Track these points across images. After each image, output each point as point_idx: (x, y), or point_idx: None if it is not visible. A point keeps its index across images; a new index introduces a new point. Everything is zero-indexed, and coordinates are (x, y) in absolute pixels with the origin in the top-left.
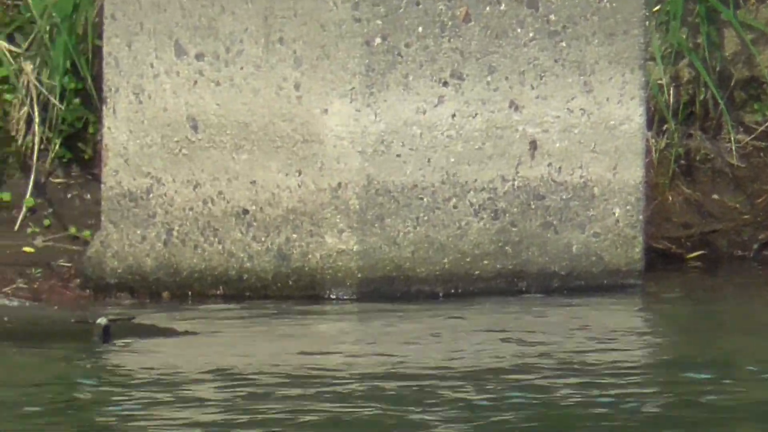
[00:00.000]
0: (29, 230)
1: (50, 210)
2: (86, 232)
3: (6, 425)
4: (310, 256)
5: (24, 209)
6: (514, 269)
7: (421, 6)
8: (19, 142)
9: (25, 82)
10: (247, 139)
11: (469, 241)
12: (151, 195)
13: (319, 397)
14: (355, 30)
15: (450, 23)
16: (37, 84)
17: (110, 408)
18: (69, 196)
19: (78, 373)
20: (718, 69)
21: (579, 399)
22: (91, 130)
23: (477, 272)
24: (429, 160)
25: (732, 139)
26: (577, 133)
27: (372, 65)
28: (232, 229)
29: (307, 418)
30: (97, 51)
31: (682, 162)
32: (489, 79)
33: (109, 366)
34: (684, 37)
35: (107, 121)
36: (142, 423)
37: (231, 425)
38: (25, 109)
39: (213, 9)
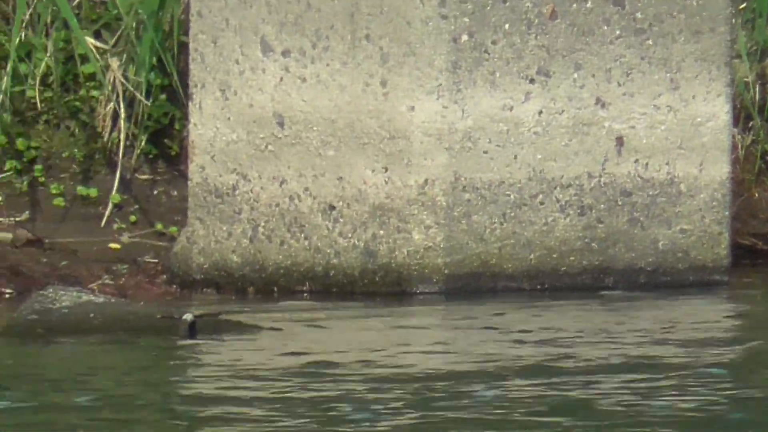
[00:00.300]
0: (115, 226)
1: (136, 206)
2: (172, 229)
3: (101, 415)
4: (396, 252)
5: (110, 205)
6: (601, 265)
7: (507, 3)
8: (106, 138)
9: (112, 79)
10: (334, 135)
11: (556, 237)
12: (237, 191)
13: (413, 395)
14: (441, 27)
15: (536, 20)
16: (124, 80)
17: (197, 403)
18: (155, 192)
19: (164, 369)
20: None
21: (667, 400)
22: (177, 126)
23: (563, 268)
24: (515, 157)
25: None
26: (663, 130)
27: (459, 62)
28: (318, 226)
29: (397, 421)
30: (183, 47)
31: None
32: (575, 76)
33: (194, 361)
34: None
35: (193, 118)
36: (226, 418)
37: (320, 422)
38: (112, 105)
39: (299, 5)
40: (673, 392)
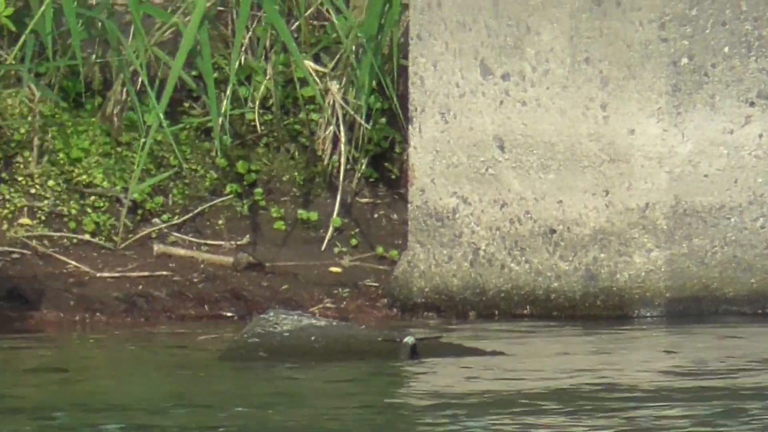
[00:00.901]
0: (336, 250)
1: (357, 230)
2: (393, 252)
3: None
4: (618, 275)
5: (331, 229)
6: None
7: (727, 26)
8: (326, 161)
9: (331, 102)
10: (554, 158)
11: None
12: (457, 215)
13: (645, 420)
14: (661, 50)
15: (756, 43)
16: (343, 104)
17: (413, 422)
18: (375, 215)
19: (385, 391)
20: None
21: None
22: (397, 149)
23: None
24: (736, 181)
25: None
26: None
27: (678, 85)
28: (539, 249)
29: None
30: (403, 71)
31: None
32: None
33: (415, 384)
34: None
35: (413, 141)
36: None
37: None
38: (331, 128)
39: (518, 29)
40: None
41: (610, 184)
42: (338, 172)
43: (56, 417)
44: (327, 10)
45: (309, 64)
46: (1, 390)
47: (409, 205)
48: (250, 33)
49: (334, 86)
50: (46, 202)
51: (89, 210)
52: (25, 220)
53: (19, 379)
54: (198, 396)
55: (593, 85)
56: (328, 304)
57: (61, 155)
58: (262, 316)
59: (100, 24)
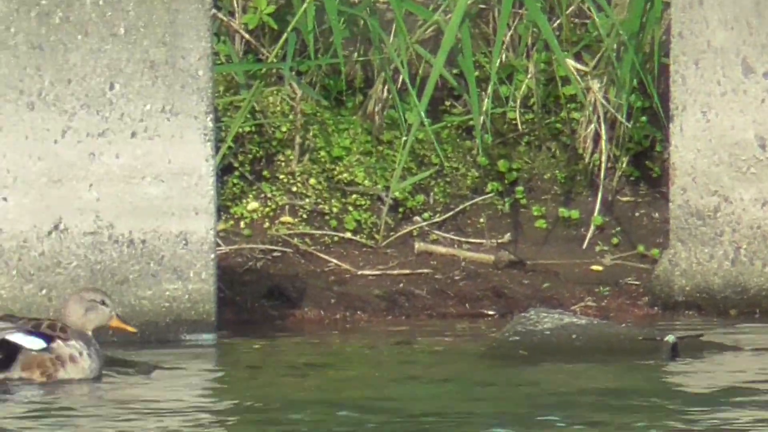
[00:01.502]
0: (597, 248)
1: (618, 228)
2: (654, 251)
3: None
4: None
5: (592, 227)
6: None
7: None
8: (587, 160)
9: (592, 100)
10: None
11: None
12: (718, 213)
13: None
14: None
15: None
16: (604, 102)
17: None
18: (636, 214)
19: (649, 390)
20: None
21: None
22: (658, 148)
23: None
24: None
25: None
26: None
27: None
28: None
29: None
30: (663, 69)
31: None
32: None
33: (678, 382)
34: None
35: (674, 140)
36: None
37: None
38: (593, 126)
39: None
40: None
41: None
42: (599, 170)
43: (336, 412)
44: (588, 8)
45: (570, 62)
46: (277, 387)
47: (670, 204)
48: (511, 31)
49: (595, 84)
50: (307, 200)
51: (350, 208)
52: (286, 218)
53: (285, 374)
54: (464, 394)
55: None
56: (589, 302)
57: (322, 153)
58: (523, 314)
59: (361, 22)
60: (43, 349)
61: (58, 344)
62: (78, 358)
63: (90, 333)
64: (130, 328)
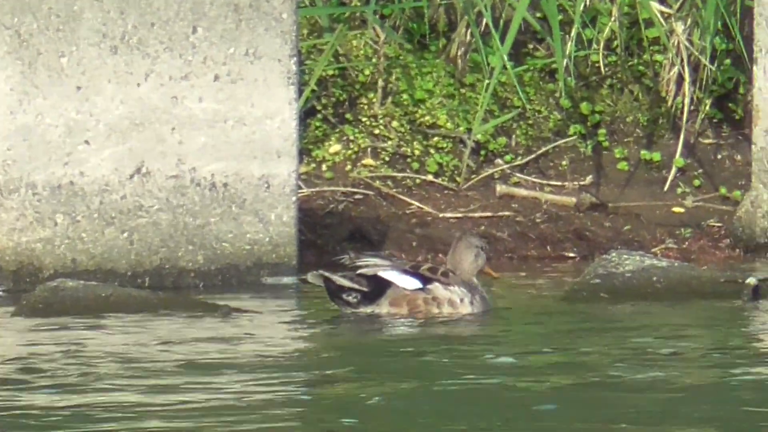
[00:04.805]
0: (679, 190)
1: (700, 170)
2: (736, 193)
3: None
4: None
5: (673, 169)
6: None
7: None
8: (669, 102)
9: (676, 43)
10: None
11: None
12: None
13: None
14: None
15: None
16: (688, 45)
17: (758, 365)
18: (719, 156)
19: (728, 332)
20: None
21: None
22: (741, 90)
23: None
24: None
25: None
26: None
27: None
28: None
29: None
30: (747, 11)
31: None
32: None
33: (759, 325)
34: None
35: (758, 82)
36: None
37: None
38: (676, 69)
39: None
40: None
41: None
42: (681, 113)
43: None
44: None
45: (654, 5)
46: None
47: (753, 146)
48: None
49: (678, 27)
50: (389, 143)
51: (432, 151)
52: (368, 161)
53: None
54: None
55: None
56: (670, 245)
57: (404, 96)
58: (604, 256)
59: None
60: (418, 290)
61: (435, 286)
62: (458, 304)
63: (475, 279)
64: (495, 275)
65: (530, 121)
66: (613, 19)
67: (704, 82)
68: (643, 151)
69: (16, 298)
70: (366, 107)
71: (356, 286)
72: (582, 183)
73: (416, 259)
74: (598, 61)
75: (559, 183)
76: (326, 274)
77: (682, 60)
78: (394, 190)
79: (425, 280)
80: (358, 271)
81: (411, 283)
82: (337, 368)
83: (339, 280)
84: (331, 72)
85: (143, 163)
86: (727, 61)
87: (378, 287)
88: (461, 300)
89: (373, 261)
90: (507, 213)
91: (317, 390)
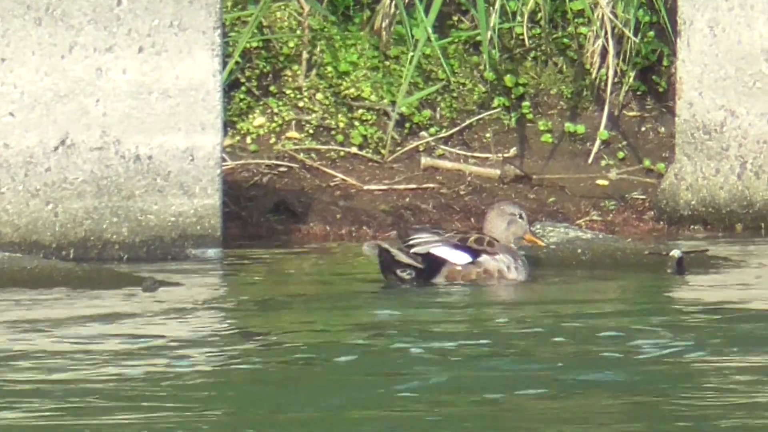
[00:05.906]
0: (603, 163)
1: (624, 143)
2: (660, 165)
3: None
4: None
5: (598, 142)
6: None
7: None
8: (593, 75)
9: (600, 15)
10: None
11: None
12: (724, 128)
13: None
14: None
15: None
16: (612, 17)
17: (679, 335)
18: (643, 129)
19: (656, 305)
20: None
21: None
22: (665, 62)
23: None
24: None
25: None
26: None
27: None
28: None
29: None
30: None
31: None
32: None
33: (682, 296)
34: None
35: (681, 54)
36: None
37: None
38: (600, 42)
39: None
40: None
41: None
42: (606, 85)
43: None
44: None
45: None
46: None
47: (676, 119)
48: None
49: (602, 0)
50: (314, 115)
51: (357, 123)
52: (293, 134)
53: (286, 287)
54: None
55: None
56: (594, 217)
57: (329, 69)
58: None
59: None
60: (470, 264)
61: (484, 258)
62: (506, 272)
63: (514, 246)
64: (540, 243)
65: (455, 94)
66: None
67: (628, 55)
68: (567, 124)
69: None
70: (290, 80)
71: (413, 263)
72: (506, 155)
73: (339, 232)
74: (522, 34)
75: (484, 155)
76: (385, 245)
77: (606, 32)
78: (319, 162)
79: (474, 253)
80: (412, 250)
81: (462, 257)
82: (258, 340)
83: (398, 254)
84: (255, 44)
85: (68, 135)
86: (651, 33)
87: (432, 265)
88: (508, 267)
89: (423, 237)
90: (431, 185)
91: (232, 365)
